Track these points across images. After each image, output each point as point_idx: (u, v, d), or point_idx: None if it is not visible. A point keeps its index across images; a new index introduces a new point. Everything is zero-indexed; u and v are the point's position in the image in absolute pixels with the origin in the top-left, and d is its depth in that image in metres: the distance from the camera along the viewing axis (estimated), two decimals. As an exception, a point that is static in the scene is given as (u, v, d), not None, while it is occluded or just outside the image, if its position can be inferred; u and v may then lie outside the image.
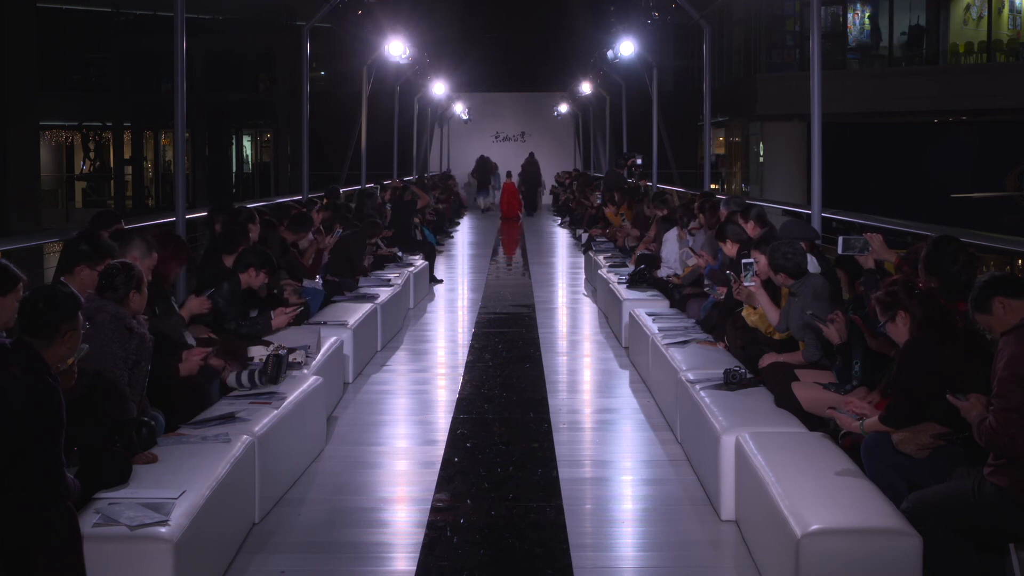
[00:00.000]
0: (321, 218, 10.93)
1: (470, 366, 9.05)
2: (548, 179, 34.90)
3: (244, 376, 6.03)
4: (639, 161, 22.74)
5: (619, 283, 10.58)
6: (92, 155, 40.12)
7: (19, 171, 21.33)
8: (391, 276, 11.41)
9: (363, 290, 10.17)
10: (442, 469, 6.12)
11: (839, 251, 6.50)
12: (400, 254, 13.11)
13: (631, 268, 11.29)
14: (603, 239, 15.41)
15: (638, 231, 13.53)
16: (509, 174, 31.54)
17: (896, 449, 4.58)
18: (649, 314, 8.76)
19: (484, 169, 33.58)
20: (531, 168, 32.36)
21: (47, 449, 3.63)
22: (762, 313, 6.81)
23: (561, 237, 22.62)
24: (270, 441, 5.34)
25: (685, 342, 7.49)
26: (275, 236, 9.00)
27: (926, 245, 5.57)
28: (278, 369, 6.17)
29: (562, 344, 10.34)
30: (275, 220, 9.38)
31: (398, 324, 10.73)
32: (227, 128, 39.39)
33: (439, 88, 28.58)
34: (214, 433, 5.09)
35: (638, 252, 11.98)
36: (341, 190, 16.91)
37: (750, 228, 8.01)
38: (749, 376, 6.19)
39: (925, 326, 4.69)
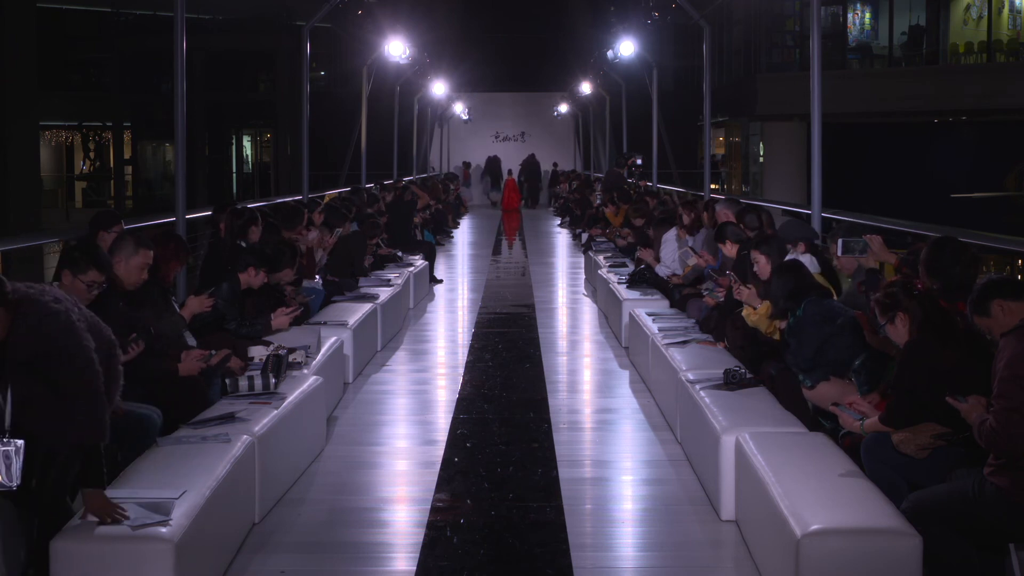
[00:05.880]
0: (322, 218, 10.92)
1: (470, 366, 9.05)
2: (548, 178, 35.57)
3: (257, 380, 5.98)
4: (639, 161, 22.76)
5: (619, 283, 10.58)
6: (92, 155, 40.15)
7: (19, 171, 21.35)
8: (391, 276, 11.40)
9: (363, 290, 10.17)
10: (442, 469, 6.12)
11: (838, 253, 6.50)
12: (400, 254, 13.12)
13: (631, 268, 11.29)
14: (603, 239, 15.41)
15: (628, 231, 13.61)
16: (510, 172, 34.54)
17: (896, 449, 4.58)
18: (649, 314, 8.76)
19: (495, 167, 36.32)
20: (532, 167, 35.19)
21: None
22: (762, 313, 6.81)
23: (561, 237, 22.62)
24: (270, 441, 5.34)
25: (685, 342, 7.49)
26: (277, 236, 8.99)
27: (926, 246, 5.57)
28: (278, 369, 6.17)
29: (562, 344, 10.34)
30: (277, 221, 9.38)
31: (398, 324, 10.73)
32: (227, 128, 39.40)
33: (439, 88, 28.58)
34: (214, 433, 5.09)
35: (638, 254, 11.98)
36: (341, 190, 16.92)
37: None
38: (749, 376, 6.19)
39: (925, 327, 4.69)
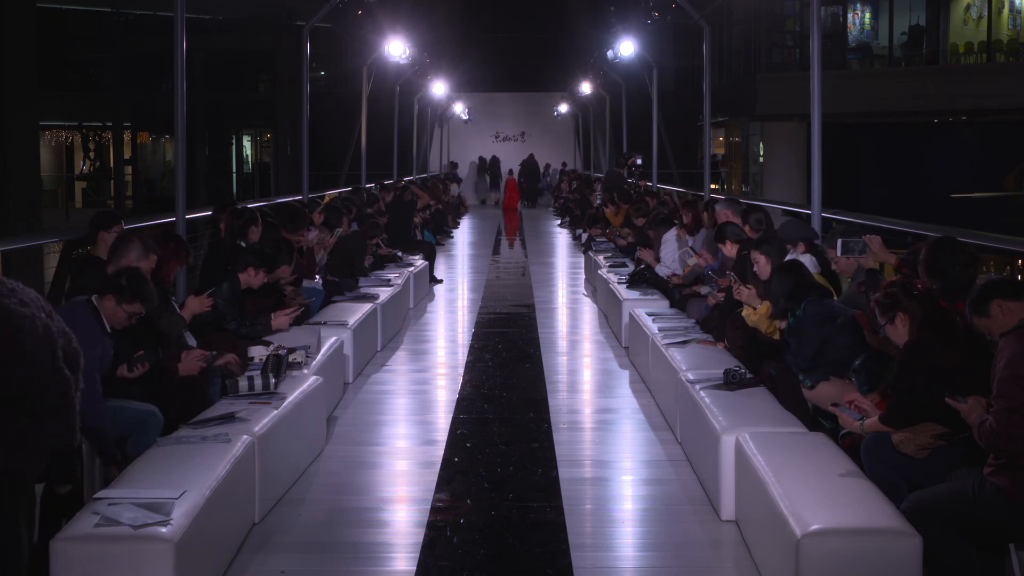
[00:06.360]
0: (322, 218, 10.92)
1: (470, 366, 9.05)
2: (556, 177, 35.83)
3: (257, 380, 5.97)
4: (639, 161, 22.77)
5: (619, 283, 10.58)
6: (92, 155, 40.16)
7: (19, 171, 21.31)
8: (391, 276, 11.40)
9: (363, 290, 10.17)
10: (442, 469, 6.12)
11: (838, 253, 6.49)
12: (400, 254, 13.12)
13: (631, 268, 11.29)
14: (603, 239, 15.41)
15: (628, 231, 13.62)
16: (511, 171, 34.73)
17: (896, 449, 4.58)
18: (649, 314, 8.76)
19: (494, 168, 36.80)
20: (531, 167, 35.45)
21: None
22: (762, 313, 6.81)
23: (561, 237, 22.62)
24: (270, 441, 5.34)
25: (685, 342, 7.49)
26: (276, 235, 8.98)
27: (926, 246, 5.57)
28: (278, 369, 6.17)
29: (562, 344, 10.34)
30: (277, 221, 9.37)
31: (398, 324, 10.73)
32: (227, 128, 39.40)
33: (439, 88, 28.60)
34: (214, 433, 5.09)
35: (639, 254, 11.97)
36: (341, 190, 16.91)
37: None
38: (749, 376, 6.19)
39: (924, 327, 4.69)
